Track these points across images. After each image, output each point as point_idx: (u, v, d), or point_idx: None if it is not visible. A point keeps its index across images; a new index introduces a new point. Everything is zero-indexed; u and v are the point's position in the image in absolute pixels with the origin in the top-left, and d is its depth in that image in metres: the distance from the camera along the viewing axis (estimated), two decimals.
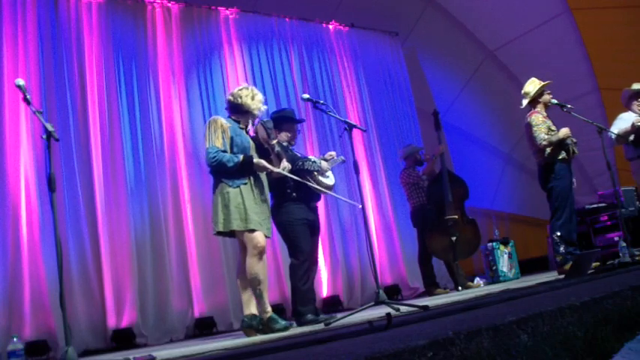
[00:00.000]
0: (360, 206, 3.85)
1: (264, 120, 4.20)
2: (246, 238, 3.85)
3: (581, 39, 7.87)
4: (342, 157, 4.81)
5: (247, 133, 4.13)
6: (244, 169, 3.90)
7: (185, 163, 6.15)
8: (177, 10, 6.57)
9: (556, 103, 5.36)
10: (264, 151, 4.12)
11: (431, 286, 6.55)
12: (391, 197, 7.63)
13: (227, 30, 6.92)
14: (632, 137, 5.59)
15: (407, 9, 8.27)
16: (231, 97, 4.13)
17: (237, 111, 4.10)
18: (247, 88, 4.15)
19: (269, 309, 3.89)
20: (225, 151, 3.88)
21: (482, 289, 5.84)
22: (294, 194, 4.30)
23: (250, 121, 4.17)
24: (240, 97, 4.08)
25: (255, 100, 4.09)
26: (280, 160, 4.11)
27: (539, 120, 5.36)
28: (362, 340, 2.07)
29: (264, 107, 4.18)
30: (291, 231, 4.32)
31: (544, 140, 5.27)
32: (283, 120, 4.55)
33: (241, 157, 3.88)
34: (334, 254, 6.88)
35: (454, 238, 6.25)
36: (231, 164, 3.84)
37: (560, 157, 5.32)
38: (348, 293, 6.85)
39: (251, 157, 3.93)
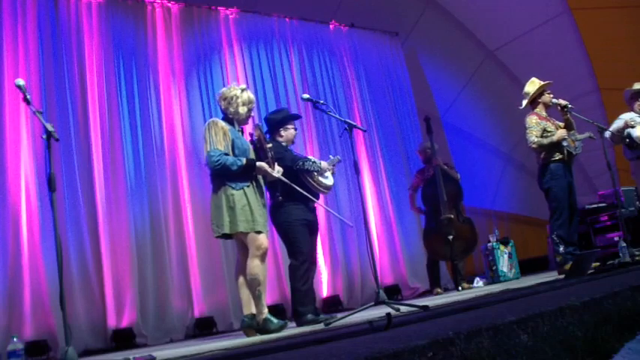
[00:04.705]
0: (352, 225, 3.86)
1: (259, 124, 4.22)
2: (249, 240, 3.84)
3: (581, 39, 7.87)
4: (339, 157, 4.82)
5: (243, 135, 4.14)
6: (247, 172, 3.90)
7: (185, 163, 6.15)
8: (177, 10, 6.56)
9: (556, 103, 5.36)
10: (261, 154, 4.12)
11: (433, 286, 6.56)
12: (392, 197, 7.63)
13: (227, 30, 6.92)
14: (627, 140, 5.59)
15: (407, 9, 8.26)
16: (220, 104, 4.13)
17: (228, 115, 4.09)
18: (225, 98, 4.05)
19: (265, 310, 3.87)
20: (227, 154, 3.87)
21: (482, 289, 5.84)
22: (280, 198, 4.27)
23: (243, 121, 4.13)
24: (224, 104, 4.06)
25: (237, 102, 4.03)
26: (274, 163, 4.11)
27: (532, 122, 5.38)
28: (362, 340, 2.07)
29: (248, 102, 4.08)
30: (291, 232, 4.31)
31: (534, 143, 5.31)
32: (287, 119, 4.55)
33: (244, 160, 3.88)
34: (334, 254, 6.87)
35: (450, 237, 6.25)
36: (235, 167, 3.84)
37: (556, 158, 5.32)
38: (348, 293, 6.85)
39: (254, 161, 3.94)
